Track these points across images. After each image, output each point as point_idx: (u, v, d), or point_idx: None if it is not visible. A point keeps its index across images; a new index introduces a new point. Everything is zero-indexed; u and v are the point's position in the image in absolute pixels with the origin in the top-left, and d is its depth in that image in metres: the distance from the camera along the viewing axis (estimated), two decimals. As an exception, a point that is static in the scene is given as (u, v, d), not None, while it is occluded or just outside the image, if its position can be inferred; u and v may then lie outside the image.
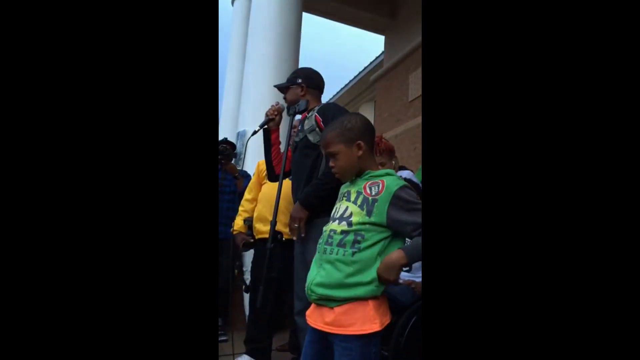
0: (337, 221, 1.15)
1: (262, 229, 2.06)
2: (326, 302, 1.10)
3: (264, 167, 2.28)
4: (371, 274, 1.07)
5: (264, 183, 2.25)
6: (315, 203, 1.51)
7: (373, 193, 1.12)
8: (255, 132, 1.81)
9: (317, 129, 1.63)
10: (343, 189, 1.24)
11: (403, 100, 6.25)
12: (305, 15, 4.95)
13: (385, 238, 1.11)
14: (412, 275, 2.00)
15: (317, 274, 1.13)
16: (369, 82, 7.88)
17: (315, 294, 1.12)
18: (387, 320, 1.10)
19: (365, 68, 8.53)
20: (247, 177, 3.00)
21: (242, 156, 3.65)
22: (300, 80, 1.80)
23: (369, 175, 1.18)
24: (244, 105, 3.79)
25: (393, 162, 2.54)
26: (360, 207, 1.12)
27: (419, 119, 5.68)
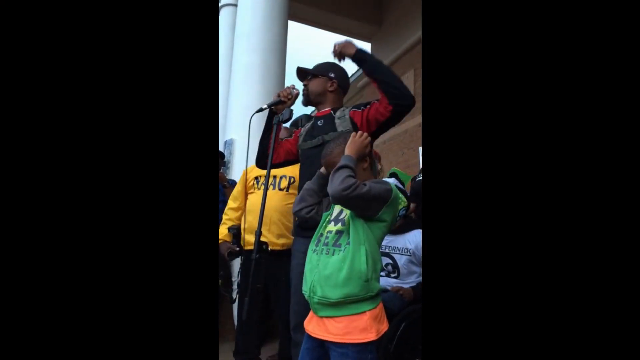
0: (332, 223, 1.21)
1: (252, 240, 2.04)
2: (325, 307, 1.12)
3: (250, 175, 2.26)
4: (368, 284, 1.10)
5: (251, 192, 2.23)
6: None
7: None
8: (260, 110, 1.61)
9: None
10: None
11: (390, 107, 6.28)
12: (291, 23, 4.97)
13: (363, 228, 1.14)
14: (401, 282, 2.00)
15: (316, 275, 1.15)
16: (357, 89, 7.92)
17: (316, 296, 1.14)
18: (384, 328, 1.13)
19: (352, 75, 8.58)
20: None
21: (230, 164, 3.63)
22: (333, 75, 1.65)
23: None
24: (230, 114, 3.78)
25: (379, 166, 2.57)
26: None
27: (407, 125, 5.72)
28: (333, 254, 1.13)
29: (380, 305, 1.14)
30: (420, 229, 2.12)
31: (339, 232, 1.16)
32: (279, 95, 1.64)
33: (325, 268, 1.13)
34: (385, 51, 6.55)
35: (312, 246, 1.23)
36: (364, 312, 1.09)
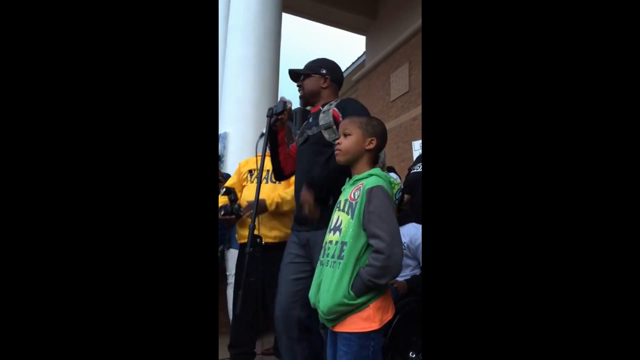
0: (332, 232, 1.22)
1: (246, 233, 2.04)
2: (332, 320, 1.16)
3: (244, 168, 2.26)
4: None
5: (244, 186, 2.22)
6: (321, 183, 1.43)
7: (355, 197, 1.20)
8: (262, 135, 1.70)
9: (334, 126, 1.51)
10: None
11: (385, 100, 6.29)
12: (285, 15, 4.93)
13: (364, 243, 1.15)
14: (395, 275, 2.00)
15: (320, 290, 1.19)
16: (352, 82, 7.90)
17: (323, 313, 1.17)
18: (388, 316, 1.17)
19: (347, 68, 8.56)
20: (230, 179, 2.97)
21: (224, 158, 3.60)
22: (324, 71, 1.66)
23: (354, 180, 1.25)
24: (224, 107, 3.75)
25: (381, 155, 2.59)
26: (347, 212, 1.20)
27: (402, 118, 5.73)
28: (333, 267, 1.16)
29: (385, 296, 1.17)
30: (415, 222, 2.14)
31: (337, 243, 1.18)
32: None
33: (326, 282, 1.16)
34: (379, 44, 6.53)
35: (321, 256, 1.26)
36: (367, 304, 1.12)
